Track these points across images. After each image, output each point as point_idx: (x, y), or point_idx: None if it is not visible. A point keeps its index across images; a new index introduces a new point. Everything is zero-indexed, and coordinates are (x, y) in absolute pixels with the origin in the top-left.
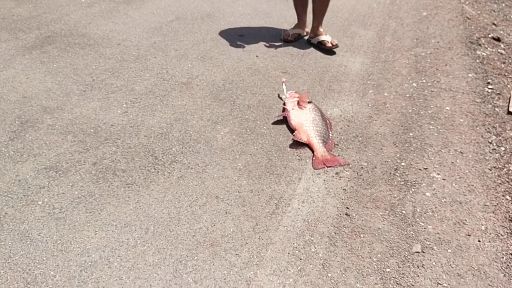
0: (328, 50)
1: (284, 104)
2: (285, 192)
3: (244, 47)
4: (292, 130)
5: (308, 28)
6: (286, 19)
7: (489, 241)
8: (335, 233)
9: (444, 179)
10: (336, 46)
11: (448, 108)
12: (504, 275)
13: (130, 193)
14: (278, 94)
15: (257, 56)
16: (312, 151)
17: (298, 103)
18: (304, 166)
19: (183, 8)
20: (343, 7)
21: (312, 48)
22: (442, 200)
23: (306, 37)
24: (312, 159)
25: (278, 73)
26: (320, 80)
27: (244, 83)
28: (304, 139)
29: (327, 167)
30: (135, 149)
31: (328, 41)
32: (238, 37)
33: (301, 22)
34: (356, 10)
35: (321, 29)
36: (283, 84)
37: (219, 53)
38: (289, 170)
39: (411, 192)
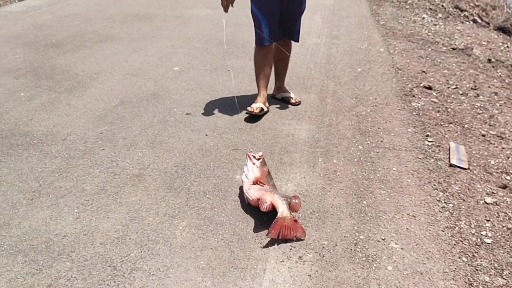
0: (292, 104)
1: (241, 187)
2: None
3: (192, 126)
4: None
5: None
6: (230, 90)
7: None
8: None
9: (402, 249)
10: (299, 103)
11: (395, 168)
12: None
13: None
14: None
15: (206, 135)
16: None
17: (256, 182)
18: (267, 254)
19: (127, 90)
20: None
21: (259, 120)
22: (404, 273)
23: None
24: (271, 225)
25: (229, 151)
26: (271, 154)
27: (197, 166)
28: (269, 201)
29: (280, 238)
30: (92, 261)
31: (292, 98)
32: (185, 116)
33: (262, 95)
34: (296, 73)
35: (284, 87)
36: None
37: (168, 136)
38: (252, 261)
39: (373, 268)
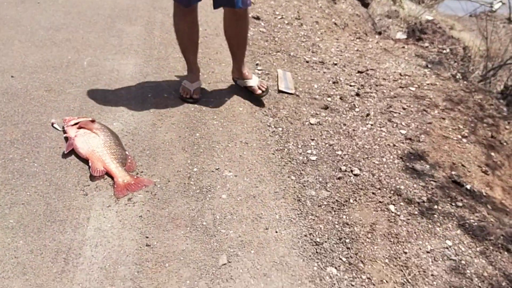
0: (257, 99)
1: (64, 132)
2: (74, 240)
3: None
4: (82, 158)
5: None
6: (40, 24)
7: (285, 229)
8: (138, 271)
9: (236, 176)
10: (267, 89)
11: (226, 98)
12: (303, 260)
13: None
14: (52, 123)
15: (12, 76)
16: (112, 177)
17: (81, 127)
18: (91, 201)
19: None
20: (103, 2)
21: (77, 55)
22: (238, 199)
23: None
24: (114, 187)
25: (41, 93)
26: (93, 93)
27: (2, 113)
28: (101, 168)
29: (132, 192)
30: None
31: (256, 88)
32: None
33: (195, 69)
34: (118, 5)
35: (245, 71)
36: (53, 125)
37: None
38: (74, 211)
39: (208, 198)
